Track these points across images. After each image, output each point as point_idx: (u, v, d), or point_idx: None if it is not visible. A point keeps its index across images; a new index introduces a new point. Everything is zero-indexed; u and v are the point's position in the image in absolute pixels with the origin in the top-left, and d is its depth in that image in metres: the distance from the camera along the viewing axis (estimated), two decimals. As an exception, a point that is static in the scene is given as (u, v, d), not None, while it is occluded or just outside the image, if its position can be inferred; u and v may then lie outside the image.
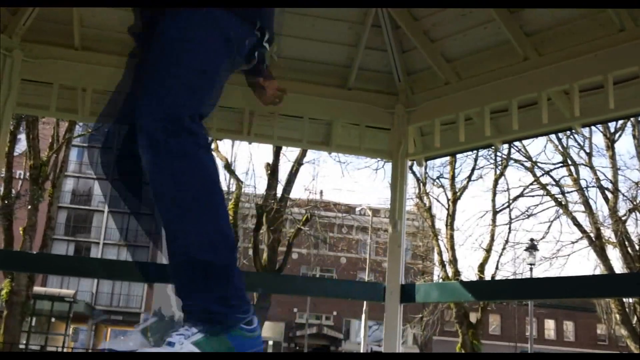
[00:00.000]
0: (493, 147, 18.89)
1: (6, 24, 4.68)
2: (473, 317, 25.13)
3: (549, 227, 24.05)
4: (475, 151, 21.60)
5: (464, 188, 25.37)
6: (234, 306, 2.12)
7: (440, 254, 24.97)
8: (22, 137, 20.96)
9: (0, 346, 18.48)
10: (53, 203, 22.12)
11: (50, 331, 28.06)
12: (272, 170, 21.70)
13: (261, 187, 23.58)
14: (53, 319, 27.91)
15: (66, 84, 4.99)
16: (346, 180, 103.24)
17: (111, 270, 6.00)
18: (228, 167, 22.67)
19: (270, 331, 38.66)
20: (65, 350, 27.41)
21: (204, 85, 2.24)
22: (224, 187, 22.42)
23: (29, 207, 20.23)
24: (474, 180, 25.36)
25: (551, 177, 23.43)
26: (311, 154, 23.03)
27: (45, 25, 4.93)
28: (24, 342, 22.19)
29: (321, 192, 29.35)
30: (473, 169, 25.20)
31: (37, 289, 24.34)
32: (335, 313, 48.39)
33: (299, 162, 21.76)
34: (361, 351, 28.67)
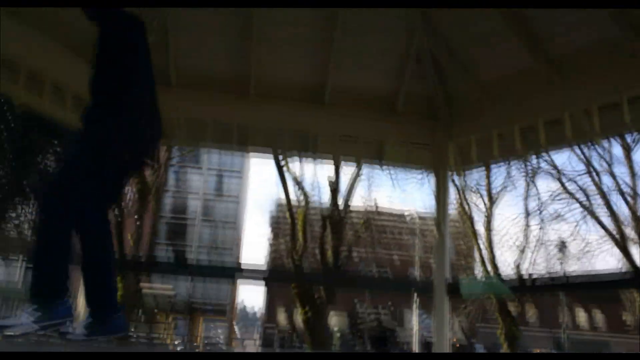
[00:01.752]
0: (523, 159, 18.43)
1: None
2: (511, 307, 24.38)
3: (576, 227, 23.20)
4: (507, 163, 21.11)
5: (499, 195, 24.78)
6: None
7: (480, 252, 24.41)
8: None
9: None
10: (156, 214, 22.69)
11: (153, 322, 28.74)
12: (334, 183, 21.73)
13: (325, 197, 23.60)
14: (156, 311, 28.58)
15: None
16: (396, 190, 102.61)
17: (203, 270, 6.18)
18: (297, 181, 22.80)
19: (336, 321, 38.50)
20: (166, 337, 27.94)
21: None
22: (294, 200, 22.50)
23: (136, 217, 20.76)
24: (507, 188, 24.70)
25: (576, 184, 22.62)
26: (366, 168, 22.95)
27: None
28: (133, 329, 22.73)
29: (375, 201, 29.26)
30: (506, 178, 24.59)
31: (143, 285, 25.03)
32: (390, 303, 47.77)
33: (356, 175, 21.72)
34: (414, 338, 28.22)
